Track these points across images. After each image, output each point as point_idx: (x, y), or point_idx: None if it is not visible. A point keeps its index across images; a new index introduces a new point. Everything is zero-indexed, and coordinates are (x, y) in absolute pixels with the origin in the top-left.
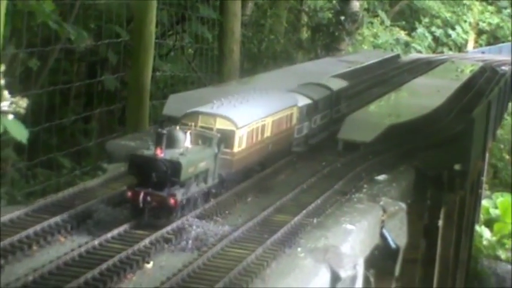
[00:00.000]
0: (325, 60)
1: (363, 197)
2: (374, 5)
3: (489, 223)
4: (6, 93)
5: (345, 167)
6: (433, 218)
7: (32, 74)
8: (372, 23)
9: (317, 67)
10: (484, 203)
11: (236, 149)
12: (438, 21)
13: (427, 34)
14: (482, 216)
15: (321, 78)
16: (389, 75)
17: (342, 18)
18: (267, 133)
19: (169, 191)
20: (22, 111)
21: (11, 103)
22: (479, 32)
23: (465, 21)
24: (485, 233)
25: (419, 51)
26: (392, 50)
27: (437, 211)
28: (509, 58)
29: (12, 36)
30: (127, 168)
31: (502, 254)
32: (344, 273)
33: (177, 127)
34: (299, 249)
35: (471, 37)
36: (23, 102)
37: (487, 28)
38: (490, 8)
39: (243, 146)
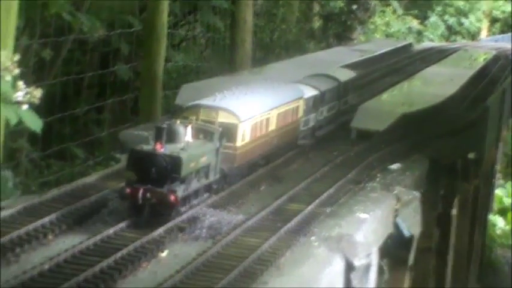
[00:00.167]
0: (337, 49)
1: (376, 186)
2: None
3: (503, 212)
4: (20, 83)
5: (358, 156)
6: (447, 207)
7: (46, 65)
8: (384, 11)
9: (329, 56)
10: (498, 192)
11: (239, 143)
12: (451, 10)
13: (440, 23)
14: (495, 205)
15: (332, 67)
16: (402, 64)
17: (354, 7)
18: (272, 126)
19: (170, 187)
20: (36, 101)
21: (26, 93)
22: (493, 20)
23: (478, 9)
24: (499, 222)
25: (432, 40)
26: (405, 39)
27: (451, 200)
28: None
29: (25, 26)
30: (126, 164)
31: None
32: (358, 262)
33: (178, 121)
34: (313, 238)
35: (484, 25)
36: (37, 92)
37: (501, 16)
38: None
39: (246, 139)
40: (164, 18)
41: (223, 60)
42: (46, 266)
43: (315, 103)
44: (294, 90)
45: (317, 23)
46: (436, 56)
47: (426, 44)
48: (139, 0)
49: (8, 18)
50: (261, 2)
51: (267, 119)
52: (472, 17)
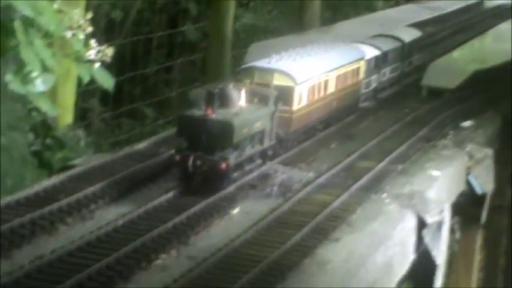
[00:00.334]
0: (406, 7)
1: (448, 143)
2: None
3: None
4: (92, 41)
5: (429, 114)
6: None
7: (115, 25)
8: None
9: (398, 15)
10: None
11: (295, 106)
12: None
13: None
14: None
15: (400, 26)
16: (473, 21)
17: None
18: (331, 89)
19: (221, 154)
20: (108, 59)
21: (98, 51)
22: None
23: None
24: None
25: None
26: None
27: None
28: None
29: None
30: (176, 130)
31: None
32: (430, 219)
33: (231, 84)
34: (384, 195)
35: None
36: (109, 51)
37: None
38: None
39: (303, 103)
40: None
41: (292, 20)
42: (120, 222)
43: (377, 64)
44: (355, 51)
45: None
46: (507, 13)
47: (497, 1)
48: None
49: None
50: None
51: (326, 81)
52: None
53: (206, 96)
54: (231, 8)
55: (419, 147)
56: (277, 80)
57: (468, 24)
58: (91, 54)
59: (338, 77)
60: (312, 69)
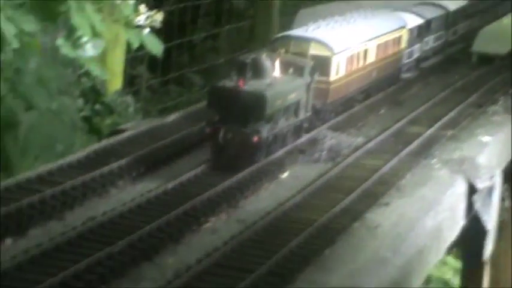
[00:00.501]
0: None
1: (498, 109)
2: None
3: None
4: (142, 7)
5: (479, 80)
6: None
7: None
8: None
9: None
10: None
11: (332, 77)
12: None
13: None
14: None
15: None
16: None
17: None
18: (370, 58)
19: (253, 127)
20: (157, 25)
21: (147, 17)
22: None
23: None
24: None
25: None
26: None
27: None
28: None
29: None
30: (207, 102)
31: None
32: (480, 185)
33: (264, 54)
34: (434, 160)
35: None
36: (159, 16)
37: None
38: None
39: (341, 73)
40: None
41: None
42: (170, 185)
43: (419, 33)
44: (397, 19)
45: None
46: None
47: None
48: None
49: None
50: None
51: (365, 51)
52: None
53: (238, 66)
54: None
55: (469, 113)
56: (314, 50)
57: None
58: (140, 20)
59: (378, 46)
60: (351, 38)
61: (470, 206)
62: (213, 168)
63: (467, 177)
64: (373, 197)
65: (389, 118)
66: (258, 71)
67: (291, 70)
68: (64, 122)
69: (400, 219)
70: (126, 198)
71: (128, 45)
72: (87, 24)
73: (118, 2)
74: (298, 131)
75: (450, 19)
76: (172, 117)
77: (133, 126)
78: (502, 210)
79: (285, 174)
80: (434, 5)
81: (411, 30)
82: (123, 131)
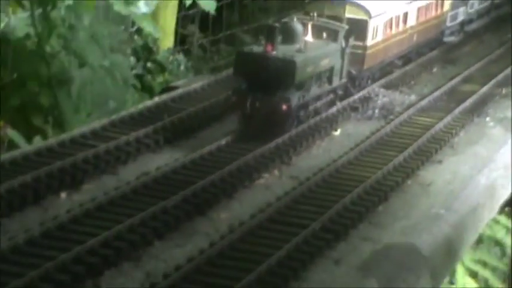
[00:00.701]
0: None
1: None
2: None
3: None
4: None
5: None
6: None
7: None
8: None
9: None
10: None
11: (369, 41)
12: None
13: None
14: None
15: None
16: None
17: None
18: (411, 22)
19: (282, 95)
20: None
21: None
22: None
23: None
24: None
25: None
26: None
27: None
28: None
29: None
30: (233, 69)
31: None
32: None
33: (295, 18)
34: (488, 118)
35: None
36: None
37: None
38: None
39: (379, 38)
40: None
41: None
42: (223, 141)
43: None
44: None
45: None
46: None
47: None
48: None
49: None
50: None
51: (405, 14)
52: None
53: (267, 31)
54: None
55: None
56: (350, 13)
57: None
58: None
59: (419, 9)
60: (389, 1)
61: None
62: (239, 139)
63: None
64: (426, 155)
65: (442, 76)
66: (288, 36)
67: (324, 35)
68: (116, 79)
69: (453, 176)
70: (179, 154)
71: (180, 3)
72: None
73: None
74: (332, 98)
75: None
76: (223, 75)
77: (185, 84)
78: None
79: (338, 132)
80: None
81: None
82: (175, 88)
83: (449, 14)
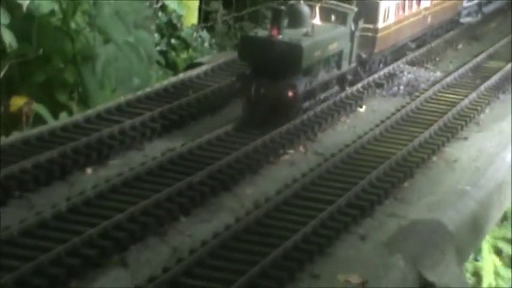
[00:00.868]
0: None
1: None
2: None
3: None
4: None
5: None
6: None
7: None
8: None
9: None
10: None
11: (380, 24)
12: None
13: None
14: None
15: None
16: None
17: None
18: (425, 3)
19: (288, 81)
20: None
21: None
22: None
23: None
24: None
25: None
26: None
27: None
28: None
29: None
30: (238, 53)
31: None
32: None
33: (302, 0)
34: None
35: None
36: None
37: None
38: None
39: (390, 20)
40: None
41: None
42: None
43: None
44: None
45: None
46: None
47: None
48: None
49: None
50: None
51: None
52: None
53: (272, 14)
54: None
55: None
56: None
57: None
58: None
59: None
60: None
61: None
62: (241, 127)
63: None
64: (451, 131)
65: (467, 53)
66: (294, 19)
67: (332, 18)
68: (141, 55)
69: (479, 153)
70: (205, 130)
71: None
72: None
73: None
74: (341, 84)
75: None
76: None
77: (210, 60)
78: None
79: (363, 108)
80: None
81: None
82: (200, 64)
83: None
